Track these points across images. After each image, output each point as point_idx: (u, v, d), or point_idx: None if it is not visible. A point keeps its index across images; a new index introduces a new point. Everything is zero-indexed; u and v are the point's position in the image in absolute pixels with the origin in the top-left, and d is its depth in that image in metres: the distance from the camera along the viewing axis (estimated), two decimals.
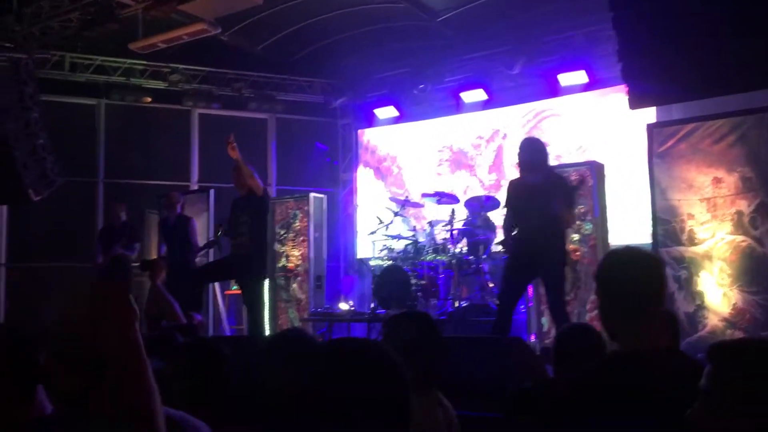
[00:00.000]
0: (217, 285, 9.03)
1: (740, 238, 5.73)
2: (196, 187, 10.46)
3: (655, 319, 1.97)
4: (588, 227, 7.10)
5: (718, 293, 5.88)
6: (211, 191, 9.44)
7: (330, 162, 11.06)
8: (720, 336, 5.56)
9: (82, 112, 10.03)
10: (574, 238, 7.05)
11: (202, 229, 9.15)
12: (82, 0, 7.71)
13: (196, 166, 10.64)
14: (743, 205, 5.77)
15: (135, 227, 8.71)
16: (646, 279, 1.95)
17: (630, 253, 2.06)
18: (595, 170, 7.05)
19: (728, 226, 5.83)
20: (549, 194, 5.31)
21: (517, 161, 5.66)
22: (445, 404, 2.56)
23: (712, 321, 5.91)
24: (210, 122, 10.69)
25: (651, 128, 6.30)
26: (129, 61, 9.87)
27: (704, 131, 5.94)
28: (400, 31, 9.88)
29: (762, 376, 1.43)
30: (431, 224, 8.52)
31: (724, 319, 5.79)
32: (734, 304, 5.75)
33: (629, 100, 4.72)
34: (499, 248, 6.01)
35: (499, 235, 8.31)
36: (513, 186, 5.75)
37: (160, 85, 10.18)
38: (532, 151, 5.53)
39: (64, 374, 1.65)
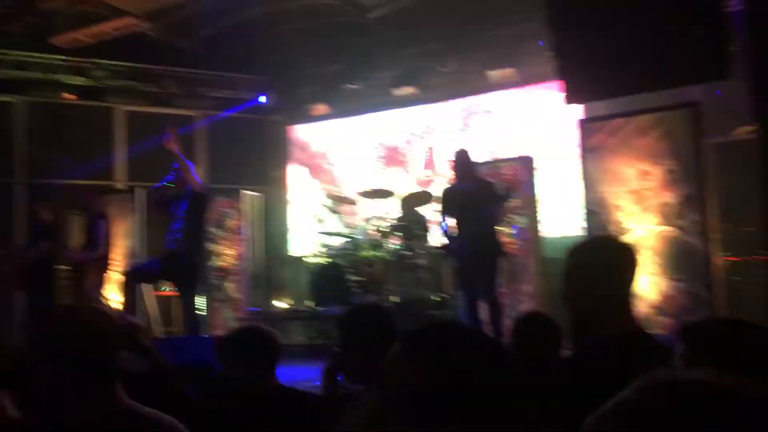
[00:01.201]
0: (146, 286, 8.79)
1: (667, 228, 5.99)
2: (121, 186, 10.12)
3: (629, 305, 2.05)
4: (523, 221, 7.26)
5: (646, 281, 6.13)
6: (137, 191, 9.13)
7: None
8: (651, 322, 5.80)
9: None
10: (510, 232, 7.21)
11: (129, 230, 8.89)
12: None
13: (122, 165, 10.28)
14: (669, 197, 6.03)
15: (59, 227, 8.34)
16: (626, 265, 2.01)
17: (608, 240, 2.13)
18: (526, 165, 7.22)
19: (655, 217, 6.08)
20: (482, 199, 5.99)
21: (452, 171, 6.10)
22: None
23: (642, 308, 6.15)
24: (136, 120, 10.35)
25: (581, 123, 6.50)
26: (49, 56, 9.44)
27: (631, 126, 6.19)
28: (332, 28, 9.85)
29: (730, 354, 1.51)
30: (368, 221, 8.52)
31: (653, 306, 6.05)
32: (662, 291, 6.01)
33: (565, 96, 4.87)
34: (442, 251, 6.44)
35: (432, 234, 8.51)
36: (448, 194, 6.26)
37: (82, 81, 9.78)
38: (464, 162, 6.09)
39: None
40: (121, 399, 1.62)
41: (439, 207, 6.41)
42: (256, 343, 2.70)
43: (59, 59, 9.51)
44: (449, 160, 6.21)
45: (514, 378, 1.21)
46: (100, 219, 7.93)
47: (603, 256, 2.05)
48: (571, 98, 4.93)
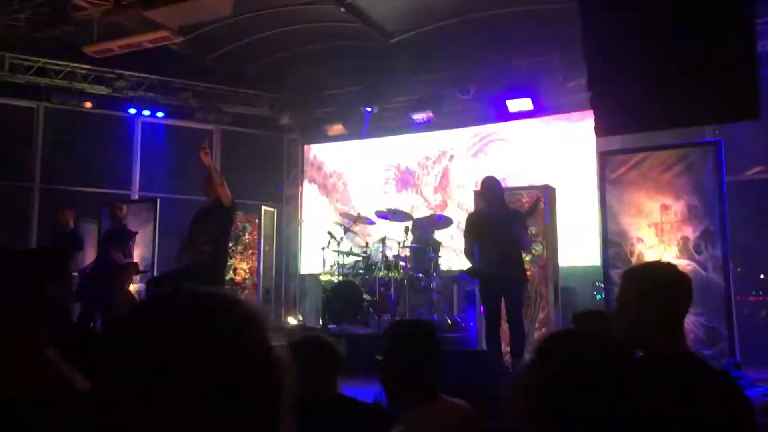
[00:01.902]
0: None
1: (685, 262, 6.10)
2: (137, 197, 10.19)
3: (682, 328, 2.17)
4: (539, 248, 7.36)
5: None
6: (157, 201, 9.20)
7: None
8: None
9: (21, 115, 9.61)
10: (527, 259, 7.30)
11: (147, 240, 8.93)
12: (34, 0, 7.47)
13: (138, 175, 10.37)
14: (689, 231, 6.15)
15: (81, 235, 8.36)
16: (685, 291, 2.13)
17: (668, 267, 2.24)
18: (547, 193, 7.33)
19: (674, 250, 6.20)
20: (508, 224, 6.03)
21: (480, 197, 6.16)
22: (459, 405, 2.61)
23: None
24: (154, 131, 10.46)
25: (603, 156, 6.63)
26: (72, 64, 9.57)
27: (653, 160, 6.33)
28: (352, 50, 10.00)
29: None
30: (383, 241, 8.60)
31: None
32: None
33: (596, 128, 4.98)
34: (466, 275, 6.47)
35: (453, 259, 8.60)
36: (473, 218, 6.27)
37: (103, 90, 9.90)
38: (493, 188, 6.18)
39: None
40: None
41: (463, 231, 6.47)
42: (319, 350, 2.77)
43: (83, 68, 9.64)
44: (481, 187, 6.27)
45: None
46: (127, 228, 7.95)
47: (658, 280, 2.16)
48: (602, 130, 5.04)
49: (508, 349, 6.30)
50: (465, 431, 2.59)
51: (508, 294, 6.07)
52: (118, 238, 7.43)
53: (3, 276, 1.60)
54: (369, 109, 10.42)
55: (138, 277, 7.75)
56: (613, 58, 4.88)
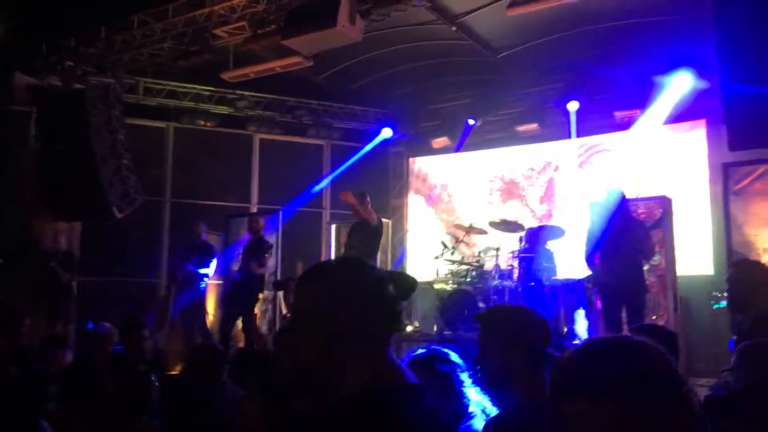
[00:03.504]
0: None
1: None
2: (255, 209, 10.83)
3: None
4: (656, 258, 7.48)
5: None
6: (279, 212, 9.78)
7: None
8: None
9: (153, 135, 10.41)
10: (644, 268, 7.44)
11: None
12: (174, 30, 8.14)
13: (256, 189, 11.02)
14: None
15: (212, 245, 9.01)
16: None
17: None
18: (664, 205, 7.45)
19: None
20: (631, 234, 6.23)
21: (604, 206, 6.37)
22: None
23: None
24: (270, 147, 11.10)
25: (726, 167, 6.74)
26: (198, 87, 10.30)
27: None
28: (459, 65, 10.34)
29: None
30: (497, 251, 8.86)
31: None
32: None
33: (730, 141, 5.14)
34: (589, 284, 6.68)
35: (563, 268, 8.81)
36: (596, 227, 6.43)
37: (225, 110, 10.59)
38: (617, 198, 6.39)
39: None
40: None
41: (586, 239, 6.66)
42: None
43: (207, 90, 10.36)
44: (605, 197, 6.44)
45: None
46: (263, 239, 8.47)
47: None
48: (735, 144, 5.20)
49: None
50: None
51: (629, 302, 6.26)
52: (255, 249, 7.99)
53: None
54: (472, 121, 10.73)
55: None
56: (746, 71, 5.03)
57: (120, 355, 5.10)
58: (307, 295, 1.50)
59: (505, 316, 2.54)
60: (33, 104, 8.98)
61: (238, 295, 7.74)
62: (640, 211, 7.56)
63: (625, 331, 6.41)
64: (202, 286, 8.56)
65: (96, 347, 4.86)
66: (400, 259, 11.42)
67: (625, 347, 1.20)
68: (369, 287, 1.48)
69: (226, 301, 7.98)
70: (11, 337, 5.15)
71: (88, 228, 9.73)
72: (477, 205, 10.89)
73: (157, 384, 3.72)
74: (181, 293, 8.63)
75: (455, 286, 8.96)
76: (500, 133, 10.80)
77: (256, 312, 8.65)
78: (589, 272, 6.78)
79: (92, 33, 8.59)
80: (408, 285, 1.62)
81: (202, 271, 8.55)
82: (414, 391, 1.45)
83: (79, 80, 8.87)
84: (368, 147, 10.94)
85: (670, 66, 8.83)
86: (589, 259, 6.49)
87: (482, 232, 9.35)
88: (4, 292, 7.42)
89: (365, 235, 6.85)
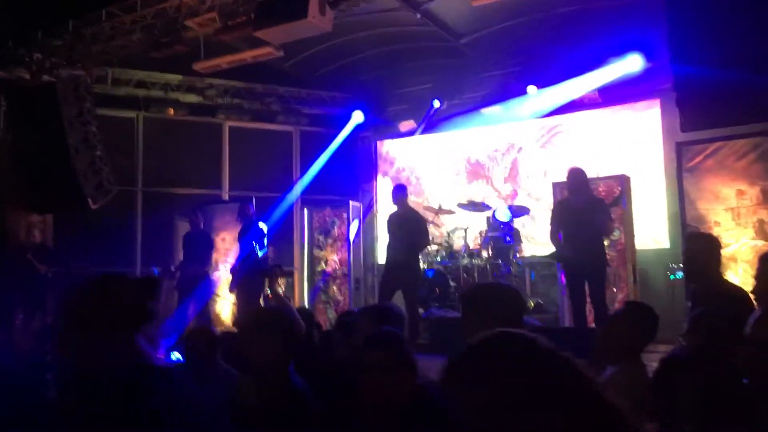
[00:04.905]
0: None
1: (761, 242, 6.60)
2: (226, 197, 10.98)
3: None
4: (616, 234, 7.90)
5: None
6: (252, 199, 9.92)
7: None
8: None
9: (123, 125, 10.46)
10: (605, 244, 7.85)
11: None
12: (143, 22, 8.22)
13: (227, 176, 11.16)
14: (764, 214, 6.66)
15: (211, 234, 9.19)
16: None
17: None
18: (623, 183, 7.86)
19: (751, 233, 6.71)
20: (592, 212, 6.56)
21: (567, 186, 6.67)
22: None
23: None
24: (240, 134, 11.23)
25: (680, 146, 7.16)
26: (167, 75, 10.37)
27: (729, 149, 6.84)
28: (422, 51, 10.59)
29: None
30: (465, 231, 9.21)
31: None
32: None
33: (682, 123, 5.51)
34: (552, 260, 7.04)
35: (532, 243, 9.16)
36: (560, 206, 6.74)
37: (194, 99, 10.69)
38: (578, 178, 6.58)
39: None
40: None
41: (550, 218, 7.01)
42: None
43: (176, 79, 10.44)
44: (567, 177, 6.74)
45: None
46: (257, 225, 8.53)
47: None
48: (688, 126, 5.57)
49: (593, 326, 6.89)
50: None
51: (591, 277, 6.64)
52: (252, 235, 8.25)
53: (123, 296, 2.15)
54: (437, 103, 11.03)
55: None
56: (698, 57, 5.39)
57: None
58: None
59: (487, 292, 2.79)
60: (1, 97, 8.99)
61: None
62: (600, 189, 7.95)
63: (588, 303, 6.83)
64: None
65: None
66: (371, 241, 11.70)
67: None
68: None
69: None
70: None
71: (61, 219, 9.80)
72: (444, 187, 11.22)
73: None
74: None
75: (426, 265, 9.30)
76: (465, 116, 11.11)
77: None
78: (553, 249, 7.14)
79: (60, 26, 8.61)
80: None
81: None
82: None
83: (48, 73, 8.89)
84: (344, 133, 11.08)
85: (623, 48, 9.25)
86: (554, 237, 6.82)
87: (451, 212, 9.69)
88: None
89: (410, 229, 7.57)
